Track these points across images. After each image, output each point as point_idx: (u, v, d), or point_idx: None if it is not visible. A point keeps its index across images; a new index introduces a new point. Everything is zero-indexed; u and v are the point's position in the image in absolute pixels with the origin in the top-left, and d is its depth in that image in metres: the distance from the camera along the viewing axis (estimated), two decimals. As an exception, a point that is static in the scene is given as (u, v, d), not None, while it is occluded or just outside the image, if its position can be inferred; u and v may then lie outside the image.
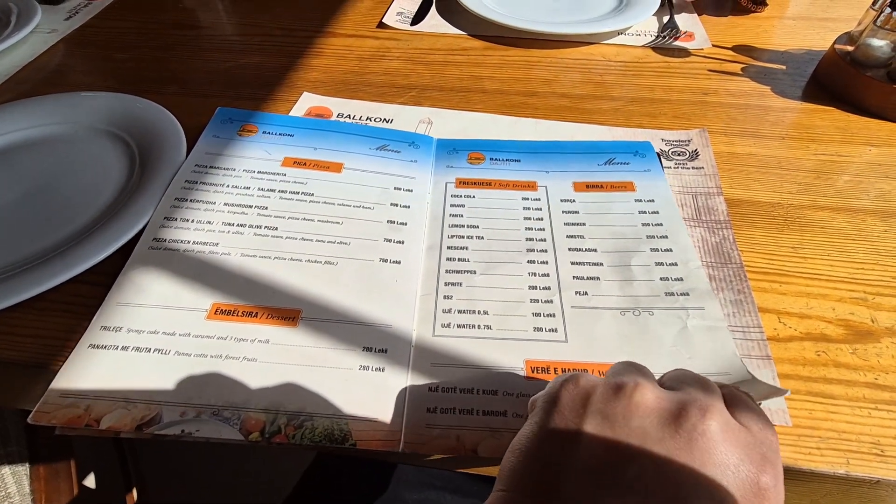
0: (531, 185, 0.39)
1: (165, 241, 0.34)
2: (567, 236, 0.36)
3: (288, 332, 0.29)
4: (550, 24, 0.57)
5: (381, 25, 0.60)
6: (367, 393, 0.27)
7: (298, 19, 0.61)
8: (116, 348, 0.28)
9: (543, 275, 0.33)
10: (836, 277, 0.34)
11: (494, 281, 0.33)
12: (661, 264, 0.34)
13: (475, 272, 0.33)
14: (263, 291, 0.31)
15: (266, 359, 0.28)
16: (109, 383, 0.27)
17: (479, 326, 0.31)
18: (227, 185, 0.38)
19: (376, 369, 0.28)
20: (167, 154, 0.40)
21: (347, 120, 0.46)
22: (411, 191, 0.38)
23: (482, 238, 0.36)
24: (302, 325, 0.30)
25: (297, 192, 0.37)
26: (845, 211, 0.38)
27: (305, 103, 0.48)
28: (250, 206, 0.36)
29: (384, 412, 0.27)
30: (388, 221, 0.36)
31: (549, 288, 0.33)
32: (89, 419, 0.26)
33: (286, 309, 0.31)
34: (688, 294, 0.32)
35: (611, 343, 0.30)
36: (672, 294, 0.32)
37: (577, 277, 0.33)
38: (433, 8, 0.62)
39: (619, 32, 0.57)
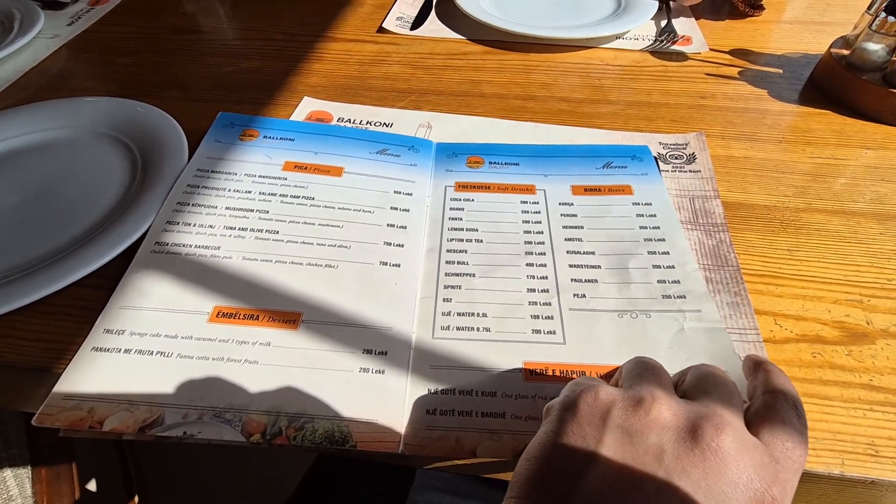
0: (530, 189, 0.40)
1: (168, 244, 0.34)
2: (565, 239, 0.36)
3: (289, 335, 0.30)
4: (549, 29, 0.57)
5: (381, 30, 0.60)
6: (367, 395, 0.28)
7: (299, 24, 0.62)
8: (119, 351, 0.29)
9: (542, 277, 0.34)
10: (832, 280, 0.34)
11: (493, 284, 0.33)
12: (659, 267, 0.34)
13: (474, 275, 0.34)
14: (265, 294, 0.32)
15: (267, 361, 0.29)
16: (112, 386, 0.27)
17: (477, 329, 0.31)
18: (229, 190, 0.38)
19: (376, 371, 0.29)
20: (169, 158, 0.41)
21: (348, 124, 0.46)
22: (411, 194, 0.39)
23: (481, 241, 0.36)
24: (303, 327, 0.30)
25: (298, 196, 0.38)
26: (841, 214, 0.38)
27: (306, 107, 0.49)
28: (252, 210, 0.36)
29: (384, 414, 0.27)
30: (387, 225, 0.36)
31: (548, 290, 0.33)
32: (92, 421, 0.26)
33: (287, 312, 0.31)
34: (685, 297, 0.32)
35: (608, 345, 0.30)
36: (669, 297, 0.32)
37: (575, 280, 0.34)
38: (433, 13, 0.62)
39: (617, 36, 0.58)
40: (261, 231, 0.35)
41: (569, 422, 0.21)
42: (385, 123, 0.47)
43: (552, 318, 0.31)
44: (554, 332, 0.31)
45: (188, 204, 0.37)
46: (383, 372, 0.29)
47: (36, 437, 0.62)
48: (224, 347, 0.29)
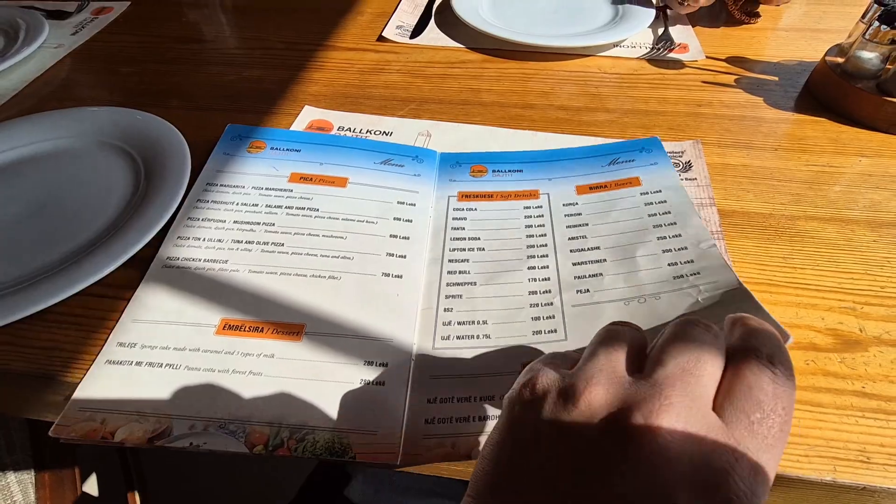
0: (533, 194, 0.40)
1: (178, 259, 0.35)
2: (569, 238, 0.36)
3: (292, 347, 0.30)
4: (546, 38, 0.58)
5: (381, 39, 0.61)
6: (368, 407, 0.28)
7: (300, 33, 0.63)
8: (131, 364, 0.30)
9: (544, 279, 0.34)
10: (826, 287, 0.34)
11: (494, 290, 0.34)
12: (669, 251, 0.33)
13: (476, 283, 0.34)
14: (269, 307, 0.32)
15: (271, 373, 0.29)
16: (124, 397, 0.28)
17: (478, 336, 0.31)
18: (237, 203, 0.39)
19: (377, 383, 0.29)
20: (172, 168, 0.41)
21: (348, 133, 0.47)
22: (414, 205, 0.39)
23: (483, 250, 0.36)
24: (306, 339, 0.31)
25: (304, 208, 0.38)
26: (836, 221, 0.39)
27: (307, 116, 0.49)
28: (258, 224, 0.37)
29: (383, 425, 0.28)
30: (390, 236, 0.37)
31: (550, 291, 0.33)
32: (104, 432, 0.27)
33: (291, 324, 0.31)
34: (699, 273, 0.31)
35: None
36: (682, 276, 0.31)
37: (579, 277, 0.33)
38: (432, 21, 0.63)
39: (615, 45, 0.58)
40: (267, 244, 0.36)
41: (508, 416, 0.20)
42: (385, 132, 0.47)
43: (553, 316, 0.32)
44: (555, 331, 0.31)
45: (198, 219, 0.37)
46: (384, 384, 0.29)
47: (38, 442, 0.63)
48: (230, 359, 0.30)
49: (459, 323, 0.32)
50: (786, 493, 0.27)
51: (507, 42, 0.57)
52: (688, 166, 0.43)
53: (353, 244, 0.36)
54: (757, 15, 0.62)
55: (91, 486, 0.87)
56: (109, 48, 0.60)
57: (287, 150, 0.43)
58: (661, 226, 0.35)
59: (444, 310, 0.33)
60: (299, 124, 0.48)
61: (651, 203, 0.36)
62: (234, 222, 0.37)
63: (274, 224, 0.37)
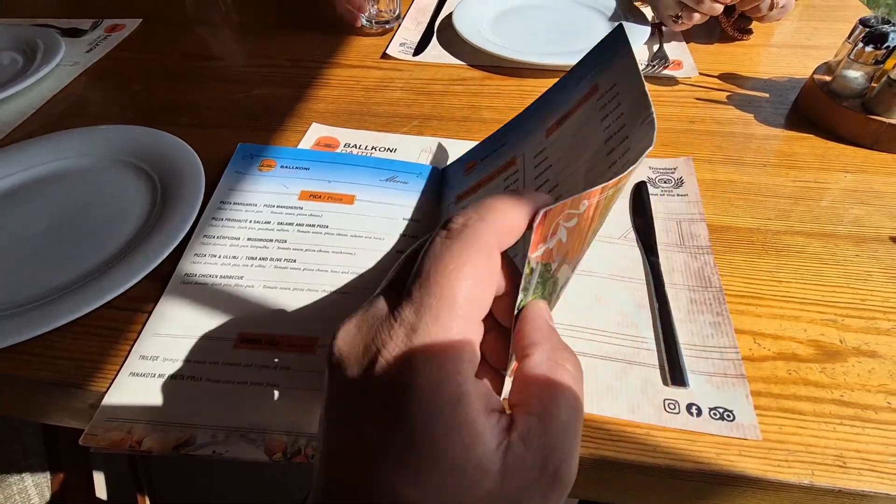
0: (512, 162, 0.37)
1: (196, 275, 0.37)
2: (537, 189, 0.32)
3: (307, 359, 0.32)
4: (544, 55, 0.60)
5: (385, 56, 0.63)
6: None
7: (306, 50, 0.65)
8: (154, 376, 0.31)
9: None
10: (809, 300, 0.36)
11: None
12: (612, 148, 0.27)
13: None
14: (284, 321, 0.34)
15: (287, 384, 0.31)
16: (148, 407, 0.30)
17: None
18: (250, 221, 0.41)
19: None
20: (186, 184, 0.43)
21: (354, 150, 0.49)
22: (418, 221, 0.41)
23: None
24: (320, 352, 0.33)
25: (314, 225, 0.40)
26: (820, 236, 0.41)
27: (314, 133, 0.51)
28: (271, 241, 0.39)
29: None
30: (397, 252, 0.39)
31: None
32: (132, 441, 0.29)
33: (305, 337, 0.33)
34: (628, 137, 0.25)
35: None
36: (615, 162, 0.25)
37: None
38: (434, 39, 0.65)
39: (611, 61, 0.60)
40: (279, 260, 0.38)
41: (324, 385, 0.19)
42: (389, 149, 0.49)
43: None
44: None
45: (214, 236, 0.39)
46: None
47: (53, 446, 0.65)
48: (248, 371, 0.32)
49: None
50: (765, 497, 0.29)
51: (507, 60, 0.59)
52: (679, 182, 0.45)
53: (361, 260, 0.38)
54: (749, 31, 0.64)
55: (101, 490, 0.89)
56: (122, 66, 0.63)
57: (296, 167, 0.45)
58: (609, 127, 0.28)
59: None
60: (307, 141, 0.50)
61: (607, 111, 0.29)
62: (248, 239, 0.39)
63: (286, 241, 0.39)
